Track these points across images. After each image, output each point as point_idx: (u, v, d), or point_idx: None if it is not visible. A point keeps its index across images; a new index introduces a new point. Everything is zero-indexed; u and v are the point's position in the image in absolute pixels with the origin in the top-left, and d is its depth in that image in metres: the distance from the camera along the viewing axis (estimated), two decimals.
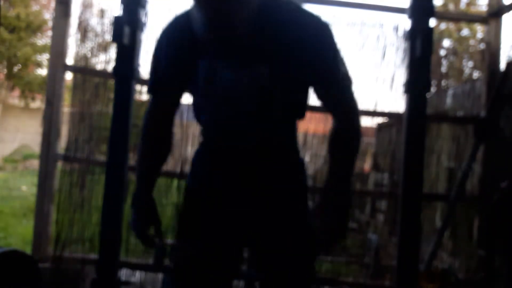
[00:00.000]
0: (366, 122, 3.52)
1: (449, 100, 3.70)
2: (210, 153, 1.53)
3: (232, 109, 1.39)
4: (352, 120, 1.42)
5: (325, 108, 1.48)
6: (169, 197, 3.48)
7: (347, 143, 1.40)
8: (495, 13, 3.50)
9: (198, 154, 1.59)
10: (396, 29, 3.38)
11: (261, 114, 1.38)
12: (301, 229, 1.47)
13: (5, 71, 15.87)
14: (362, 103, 3.44)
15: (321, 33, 1.38)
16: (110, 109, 3.26)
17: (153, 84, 1.51)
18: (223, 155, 1.48)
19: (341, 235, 1.38)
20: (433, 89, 3.57)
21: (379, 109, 3.43)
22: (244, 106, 1.38)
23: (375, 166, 3.70)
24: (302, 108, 1.50)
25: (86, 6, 3.42)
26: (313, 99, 3.19)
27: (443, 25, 11.57)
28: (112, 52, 3.39)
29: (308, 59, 1.34)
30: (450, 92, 3.72)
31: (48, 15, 16.10)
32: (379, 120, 4.31)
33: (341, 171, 1.39)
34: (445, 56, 3.56)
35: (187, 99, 3.54)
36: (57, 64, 3.30)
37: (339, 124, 1.41)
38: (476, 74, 3.60)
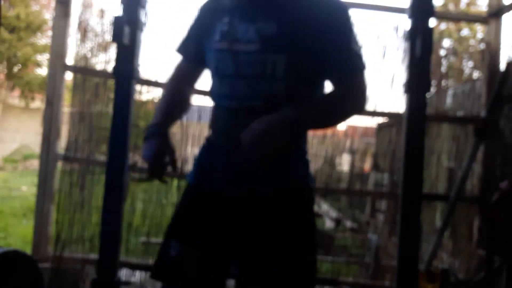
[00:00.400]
0: (366, 122, 3.53)
1: (449, 100, 3.70)
2: (215, 138, 1.50)
3: (238, 62, 1.38)
4: (355, 98, 1.44)
5: (334, 87, 1.46)
6: (169, 197, 3.48)
7: (339, 103, 1.43)
8: (495, 13, 3.51)
9: (204, 148, 1.56)
10: (396, 29, 3.39)
11: (266, 72, 1.36)
12: (304, 232, 1.42)
13: (5, 71, 15.88)
14: None
15: (338, 9, 1.41)
16: (110, 109, 3.26)
17: (182, 42, 1.62)
18: (227, 131, 1.43)
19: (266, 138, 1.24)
20: (433, 89, 3.57)
21: (379, 109, 3.44)
22: (249, 59, 1.37)
23: (375, 166, 3.71)
24: (311, 86, 1.44)
25: (86, 6, 3.42)
26: None
27: (443, 25, 11.57)
28: (112, 52, 3.39)
29: (322, 29, 1.36)
30: (450, 92, 3.72)
31: (48, 15, 16.11)
32: (379, 120, 4.32)
33: (316, 108, 1.39)
34: (445, 56, 3.56)
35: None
36: (57, 64, 3.30)
37: (340, 93, 1.43)
38: (476, 74, 3.60)
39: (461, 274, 3.38)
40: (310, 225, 1.45)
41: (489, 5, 3.58)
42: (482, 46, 3.59)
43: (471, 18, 5.86)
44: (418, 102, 2.45)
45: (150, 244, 3.49)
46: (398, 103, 3.40)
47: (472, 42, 12.50)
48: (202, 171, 1.52)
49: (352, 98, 1.44)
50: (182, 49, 1.62)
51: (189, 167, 3.43)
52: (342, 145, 3.55)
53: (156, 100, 3.82)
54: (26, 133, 16.05)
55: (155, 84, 3.47)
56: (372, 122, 3.74)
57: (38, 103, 16.01)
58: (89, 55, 3.42)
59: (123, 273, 3.29)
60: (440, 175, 3.57)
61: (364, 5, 3.52)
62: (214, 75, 1.49)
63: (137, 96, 3.45)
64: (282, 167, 1.38)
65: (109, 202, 2.29)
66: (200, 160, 1.55)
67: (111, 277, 2.27)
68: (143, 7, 2.36)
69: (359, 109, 1.48)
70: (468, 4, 13.30)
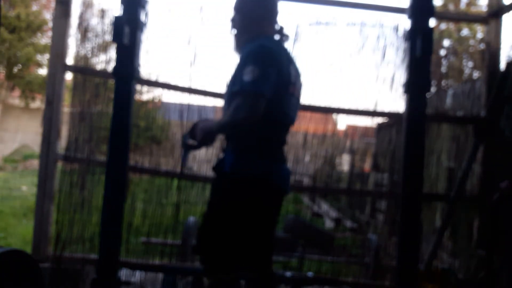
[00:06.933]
0: (366, 122, 3.53)
1: (449, 100, 3.71)
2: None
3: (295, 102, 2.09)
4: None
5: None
6: (169, 197, 3.48)
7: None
8: (495, 13, 3.51)
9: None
10: (396, 29, 3.39)
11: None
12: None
13: (5, 71, 15.88)
14: (363, 103, 3.46)
15: None
16: (110, 109, 3.26)
17: (262, 83, 1.87)
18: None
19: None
20: (433, 89, 3.58)
21: (380, 109, 3.44)
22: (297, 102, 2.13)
23: (375, 166, 3.71)
24: None
25: (86, 6, 3.42)
26: (314, 100, 3.19)
27: (443, 25, 11.56)
28: (112, 52, 3.39)
29: None
30: (450, 92, 3.73)
31: (48, 15, 16.12)
32: (379, 120, 4.32)
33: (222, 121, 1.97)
34: (445, 56, 3.57)
35: (187, 98, 3.52)
36: (57, 64, 3.30)
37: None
38: (476, 74, 3.62)
39: (461, 274, 3.38)
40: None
41: (489, 5, 3.58)
42: (482, 46, 3.60)
43: (471, 18, 5.86)
44: (418, 102, 2.45)
45: (150, 244, 3.49)
46: (398, 103, 3.40)
47: (472, 42, 12.50)
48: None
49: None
50: (264, 89, 1.87)
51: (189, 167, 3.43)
52: (342, 145, 3.55)
53: (156, 100, 3.83)
54: (26, 133, 16.06)
55: (156, 84, 3.47)
56: (372, 122, 3.75)
57: (38, 103, 16.02)
58: (89, 55, 3.42)
59: (123, 273, 3.29)
60: (440, 175, 3.57)
61: (364, 5, 3.53)
62: (280, 105, 1.97)
63: (137, 96, 3.45)
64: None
65: (109, 202, 2.29)
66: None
67: (111, 277, 2.28)
68: (143, 7, 2.37)
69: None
70: (468, 4, 13.29)
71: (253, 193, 1.94)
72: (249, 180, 1.94)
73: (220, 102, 3.38)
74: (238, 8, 2.16)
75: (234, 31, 2.19)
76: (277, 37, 2.16)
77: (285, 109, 2.02)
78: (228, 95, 2.04)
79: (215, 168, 2.06)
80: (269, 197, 2.01)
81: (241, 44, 2.14)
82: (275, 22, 2.16)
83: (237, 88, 1.90)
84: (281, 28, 2.18)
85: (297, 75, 2.11)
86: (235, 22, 2.17)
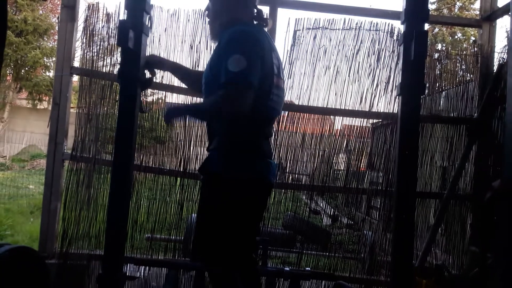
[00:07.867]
0: (362, 122, 3.61)
1: (442, 102, 3.78)
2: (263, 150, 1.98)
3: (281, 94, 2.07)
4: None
5: None
6: (172, 195, 3.56)
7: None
8: (488, 17, 3.59)
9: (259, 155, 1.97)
10: (391, 33, 3.47)
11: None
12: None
13: (12, 73, 16.01)
14: (358, 104, 3.54)
15: None
16: (115, 110, 3.35)
17: (250, 74, 1.82)
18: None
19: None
20: (427, 91, 3.65)
21: (375, 110, 3.52)
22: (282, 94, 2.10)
23: (371, 165, 3.78)
24: None
25: (92, 11, 3.49)
26: (312, 101, 3.26)
27: (436, 29, 11.60)
28: (118, 55, 3.46)
29: None
30: (443, 94, 3.79)
31: (55, 19, 16.23)
32: (375, 120, 4.38)
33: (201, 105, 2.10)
34: (438, 59, 3.64)
35: (189, 100, 3.60)
36: (64, 67, 3.38)
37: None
38: (469, 77, 3.69)
39: (455, 270, 3.46)
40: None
41: (482, 10, 3.66)
42: (476, 49, 3.67)
43: (465, 22, 5.91)
44: (412, 104, 2.53)
45: (154, 240, 3.57)
46: (392, 105, 3.48)
47: (465, 45, 12.54)
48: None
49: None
50: (251, 80, 1.81)
51: (191, 166, 3.51)
52: (339, 145, 3.63)
53: (161, 101, 3.89)
54: (34, 133, 16.17)
55: (159, 86, 3.55)
56: (368, 123, 3.77)
57: (46, 104, 16.15)
58: (95, 58, 3.48)
59: (128, 268, 3.37)
60: (434, 173, 3.65)
61: (360, 10, 3.61)
62: (266, 99, 1.92)
63: (141, 98, 3.53)
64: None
65: (115, 200, 2.37)
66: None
67: (116, 272, 2.36)
68: (147, 12, 2.45)
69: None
70: (461, 8, 13.30)
71: (248, 193, 1.91)
72: (244, 180, 1.90)
73: None
74: None
75: (208, 20, 2.12)
76: (255, 22, 2.05)
77: (273, 103, 1.96)
78: (207, 79, 1.98)
79: (202, 170, 1.98)
80: (263, 194, 2.02)
81: (215, 31, 2.06)
82: (251, 6, 2.06)
83: (224, 79, 1.81)
84: (259, 12, 2.08)
85: (280, 63, 2.04)
86: (209, 10, 2.10)
